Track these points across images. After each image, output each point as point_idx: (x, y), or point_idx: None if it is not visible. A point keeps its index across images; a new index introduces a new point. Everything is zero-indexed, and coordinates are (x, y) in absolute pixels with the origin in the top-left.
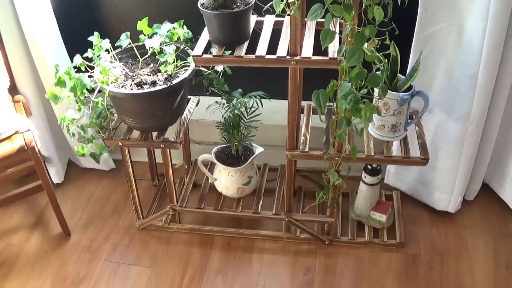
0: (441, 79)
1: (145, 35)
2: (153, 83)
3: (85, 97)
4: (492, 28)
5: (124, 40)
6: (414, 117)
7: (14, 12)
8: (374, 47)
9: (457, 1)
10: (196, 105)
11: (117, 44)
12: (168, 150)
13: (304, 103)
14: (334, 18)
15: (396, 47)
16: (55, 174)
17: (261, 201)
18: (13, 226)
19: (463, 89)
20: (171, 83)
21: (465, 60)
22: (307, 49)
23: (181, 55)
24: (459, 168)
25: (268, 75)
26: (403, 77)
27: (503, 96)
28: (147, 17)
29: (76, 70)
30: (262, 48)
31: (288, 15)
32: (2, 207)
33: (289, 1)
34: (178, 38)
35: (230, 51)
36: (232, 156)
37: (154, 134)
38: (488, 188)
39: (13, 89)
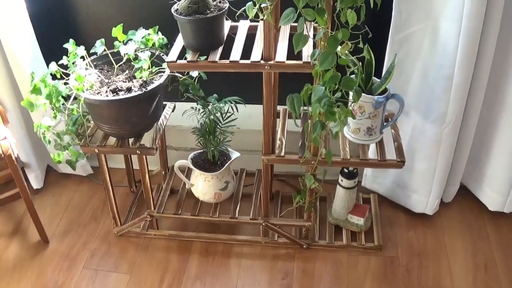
0: (417, 81)
1: (120, 41)
2: (129, 90)
3: (61, 104)
4: (467, 29)
5: (99, 47)
6: (389, 119)
7: None
8: (347, 51)
9: (432, 3)
10: (172, 111)
11: (92, 51)
12: (144, 156)
13: (280, 108)
14: (307, 22)
15: (370, 50)
16: (35, 180)
17: (238, 206)
18: None
19: (438, 91)
20: (146, 89)
21: (440, 61)
22: (281, 54)
23: (156, 61)
24: (436, 170)
25: (244, 80)
26: (378, 80)
27: (479, 97)
28: (122, 24)
29: (52, 77)
30: (236, 53)
31: (262, 19)
32: None
33: (262, 5)
34: (153, 44)
35: (205, 57)
36: (209, 162)
37: (131, 140)
38: (465, 189)
39: None
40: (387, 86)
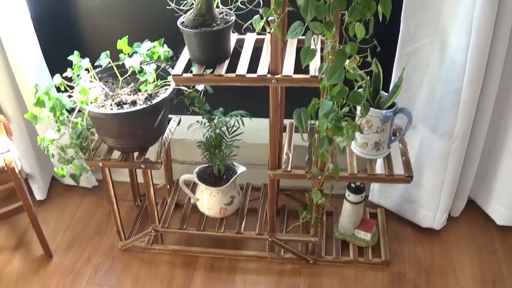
0: (425, 95)
1: (125, 54)
2: (133, 103)
3: (65, 117)
4: (475, 43)
5: (104, 60)
6: (397, 134)
7: None
8: (355, 65)
9: (440, 17)
10: (178, 124)
11: (97, 63)
12: (149, 170)
13: (287, 121)
14: (315, 36)
15: (379, 64)
16: (38, 191)
17: (244, 221)
18: None
19: (446, 105)
20: (151, 102)
21: (448, 76)
22: (288, 67)
23: (161, 74)
24: (444, 184)
25: (250, 93)
26: (386, 94)
27: (487, 112)
28: (127, 36)
29: (57, 89)
30: (242, 67)
31: (269, 33)
32: None
33: (269, 19)
34: (159, 57)
35: (211, 70)
36: (214, 176)
37: (135, 154)
38: (473, 204)
39: None
40: (395, 100)
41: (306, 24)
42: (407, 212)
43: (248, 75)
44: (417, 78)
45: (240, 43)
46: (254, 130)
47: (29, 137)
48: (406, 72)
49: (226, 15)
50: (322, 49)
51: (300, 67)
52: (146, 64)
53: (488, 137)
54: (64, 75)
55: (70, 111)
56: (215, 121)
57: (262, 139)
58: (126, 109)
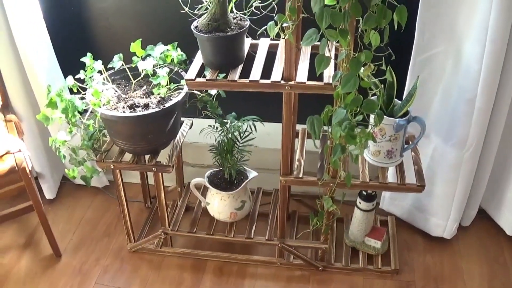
0: (438, 104)
1: (138, 57)
2: (146, 106)
3: (78, 119)
4: (490, 52)
5: (117, 62)
6: (410, 142)
7: (8, 32)
8: (370, 73)
9: (455, 25)
10: (190, 127)
11: (110, 65)
12: (160, 173)
13: (299, 127)
14: (329, 42)
15: (393, 72)
16: (48, 190)
17: (254, 226)
18: (4, 246)
19: (460, 114)
20: (164, 106)
21: (462, 84)
22: (302, 74)
23: (174, 78)
24: (456, 194)
25: (263, 98)
26: (400, 102)
27: (501, 121)
28: (140, 39)
29: (69, 90)
30: (256, 72)
31: (283, 38)
32: None
33: (283, 25)
34: (172, 60)
35: (224, 75)
36: (225, 180)
37: (147, 157)
38: (484, 213)
39: (5, 108)
40: (408, 109)
41: (321, 32)
42: (418, 220)
43: (262, 81)
44: (431, 87)
45: (254, 48)
46: (266, 134)
47: (40, 136)
48: (420, 80)
49: (240, 20)
50: (336, 56)
51: (314, 73)
52: (159, 68)
53: (500, 147)
54: (77, 76)
55: (82, 112)
56: (228, 125)
57: (274, 144)
58: (139, 112)
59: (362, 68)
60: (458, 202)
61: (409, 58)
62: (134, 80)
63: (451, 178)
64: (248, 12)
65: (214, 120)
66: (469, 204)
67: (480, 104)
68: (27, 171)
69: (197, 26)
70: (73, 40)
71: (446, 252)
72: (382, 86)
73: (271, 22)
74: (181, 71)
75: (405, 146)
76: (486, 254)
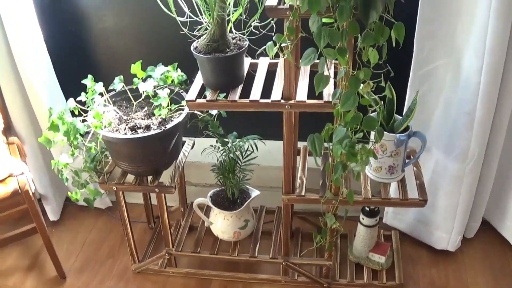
0: (439, 117)
1: (139, 78)
2: (147, 127)
3: (80, 141)
4: (489, 65)
5: (118, 84)
6: (411, 157)
7: (10, 55)
8: (369, 90)
9: (453, 38)
10: (191, 147)
11: (110, 87)
12: (163, 194)
13: (300, 145)
14: (328, 61)
15: (392, 89)
16: (51, 212)
17: (258, 244)
18: (8, 268)
19: (461, 127)
20: (165, 127)
21: (462, 97)
22: (302, 92)
23: (175, 98)
24: (459, 206)
25: (264, 116)
26: (400, 117)
27: (501, 133)
28: (141, 60)
29: (71, 113)
30: (256, 92)
31: (283, 58)
32: None
33: (282, 45)
34: (172, 81)
35: (224, 95)
36: (228, 200)
37: (149, 177)
38: (488, 225)
39: (8, 130)
40: (409, 124)
41: (319, 51)
42: (422, 234)
43: (262, 101)
44: (431, 101)
45: (253, 67)
46: (267, 152)
47: (42, 158)
48: (420, 93)
49: (240, 40)
50: (335, 74)
51: (313, 91)
52: (160, 89)
53: (502, 158)
54: (78, 99)
55: (84, 134)
56: (229, 145)
57: (276, 162)
58: (140, 133)
59: (362, 86)
60: (461, 214)
61: (408, 73)
62: (135, 101)
63: (453, 190)
64: (247, 32)
65: (215, 139)
66: (472, 216)
67: (480, 116)
68: (30, 193)
69: (196, 47)
70: (74, 62)
71: (450, 265)
72: (382, 102)
73: (270, 42)
74: (181, 92)
75: (407, 161)
76: (490, 265)
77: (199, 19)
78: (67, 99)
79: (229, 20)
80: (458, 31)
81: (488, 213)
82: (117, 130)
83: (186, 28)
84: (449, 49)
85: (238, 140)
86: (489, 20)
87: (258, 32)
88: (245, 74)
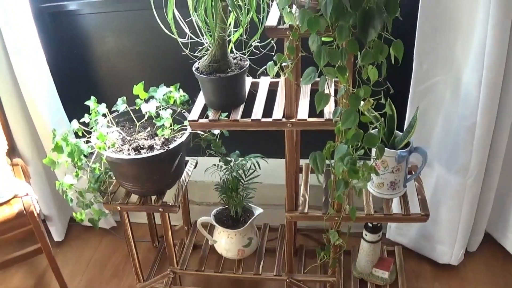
0: (439, 133)
1: (141, 99)
2: (151, 148)
3: (84, 162)
4: (488, 79)
5: (121, 105)
6: (413, 172)
7: (13, 77)
8: (370, 107)
9: (452, 54)
10: (194, 167)
11: (113, 108)
12: (167, 213)
13: (303, 162)
14: (328, 79)
15: (392, 105)
16: (56, 232)
17: (262, 262)
18: None
19: (461, 142)
20: (168, 147)
21: (462, 112)
22: (303, 111)
23: (178, 118)
24: (461, 220)
25: (266, 135)
26: (401, 133)
27: (502, 146)
28: (143, 81)
29: (75, 134)
30: (258, 111)
31: (283, 77)
32: (2, 269)
33: (282, 64)
34: (175, 101)
35: (226, 114)
36: (232, 218)
37: (153, 197)
38: (490, 238)
39: (12, 152)
40: (409, 140)
41: (319, 69)
42: (425, 248)
43: (264, 120)
44: (431, 116)
45: (254, 87)
46: (270, 170)
47: (46, 179)
48: (420, 109)
49: (240, 60)
50: (335, 92)
51: (314, 109)
52: (162, 109)
53: (503, 171)
54: (82, 120)
55: (88, 155)
56: (232, 164)
57: (278, 180)
58: (144, 154)
59: (362, 103)
60: (463, 228)
61: (408, 89)
62: (138, 122)
63: (455, 205)
64: (247, 52)
65: (218, 158)
66: (475, 229)
67: (480, 131)
68: (35, 214)
69: (198, 67)
70: (77, 84)
71: (454, 279)
72: (382, 119)
73: (271, 62)
74: (184, 112)
75: (408, 176)
76: (493, 278)
77: (200, 40)
78: (70, 120)
79: (229, 41)
80: (456, 47)
81: (490, 227)
82: (120, 151)
83: (187, 49)
84: (448, 65)
85: (240, 158)
86: (487, 35)
87: (258, 52)
88: (246, 94)
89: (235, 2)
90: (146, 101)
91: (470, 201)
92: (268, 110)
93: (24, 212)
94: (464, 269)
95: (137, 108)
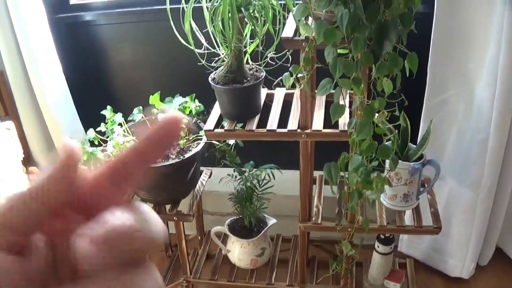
0: (452, 146)
1: (157, 109)
2: (166, 157)
3: None
4: (501, 94)
5: (137, 115)
6: (426, 185)
7: (29, 86)
8: (384, 119)
9: (466, 67)
10: (209, 177)
11: (130, 118)
12: (181, 222)
13: (316, 173)
14: (343, 90)
15: (406, 117)
16: None
17: (274, 272)
18: None
19: (474, 156)
20: (184, 157)
21: (475, 126)
22: (318, 122)
23: (193, 128)
24: (472, 234)
25: (280, 146)
26: (414, 146)
27: None
28: (159, 92)
29: (90, 143)
30: (273, 122)
31: (299, 88)
32: None
33: (298, 76)
34: (190, 112)
35: (242, 124)
36: (245, 228)
37: (168, 206)
38: (501, 252)
39: (27, 161)
40: (423, 152)
41: (335, 81)
42: (436, 262)
43: (279, 130)
44: (445, 129)
45: (270, 98)
46: (284, 181)
47: None
48: (433, 123)
49: (256, 71)
50: (350, 103)
51: (329, 120)
52: None
53: None
54: (98, 129)
55: None
56: (246, 174)
57: (292, 191)
58: (159, 163)
59: (376, 115)
60: (474, 242)
61: (421, 102)
62: None
63: (467, 218)
64: (263, 63)
65: (232, 169)
66: (486, 243)
67: (493, 145)
68: None
69: (214, 78)
70: (92, 93)
71: None
72: (396, 131)
73: (286, 73)
74: (199, 122)
75: (421, 189)
76: None
77: (216, 50)
78: (85, 130)
79: (245, 52)
80: (470, 61)
81: (502, 241)
82: None
83: (203, 60)
84: (461, 79)
85: (255, 169)
86: (500, 49)
87: (274, 64)
88: (262, 105)
89: (252, 14)
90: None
91: (482, 215)
92: (283, 121)
93: None
94: (475, 283)
95: (153, 118)
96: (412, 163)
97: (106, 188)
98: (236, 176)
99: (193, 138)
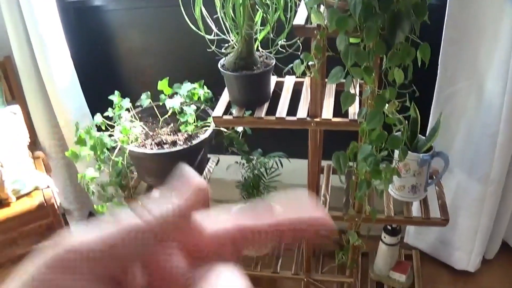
0: (462, 139)
1: (165, 95)
2: (173, 143)
3: (106, 155)
4: (511, 88)
5: (145, 100)
6: (434, 177)
7: (36, 70)
8: (394, 109)
9: (477, 61)
10: (216, 164)
11: (137, 103)
12: None
13: (324, 163)
14: (354, 80)
15: (416, 108)
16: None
17: (280, 260)
18: None
19: (483, 149)
20: (191, 143)
21: (484, 120)
22: (328, 111)
23: (201, 115)
24: (479, 227)
25: (288, 134)
26: (423, 137)
27: None
28: (168, 77)
29: (97, 128)
30: (282, 109)
31: (309, 76)
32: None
33: (309, 63)
34: (199, 98)
35: (250, 112)
36: None
37: None
38: (507, 246)
39: (33, 145)
40: (432, 144)
41: (346, 69)
42: (442, 254)
43: (288, 118)
44: (454, 122)
45: (279, 86)
46: (292, 170)
47: (67, 173)
48: (443, 115)
49: (266, 58)
50: (361, 93)
51: (339, 109)
52: (186, 105)
53: None
54: (105, 114)
55: (110, 149)
56: (254, 162)
57: (299, 179)
58: (166, 149)
59: (387, 105)
60: (481, 235)
61: (432, 94)
62: (161, 117)
63: (474, 212)
64: (274, 50)
65: (240, 156)
66: (492, 237)
67: (502, 139)
68: (56, 206)
69: (224, 64)
70: (100, 78)
71: (470, 285)
72: (406, 122)
73: (297, 61)
74: (207, 109)
75: (429, 181)
76: (510, 286)
77: (226, 37)
78: (92, 115)
79: (256, 39)
80: (481, 54)
81: (508, 235)
82: (143, 146)
83: (213, 46)
84: (472, 71)
85: (263, 157)
86: (511, 43)
87: (284, 51)
88: (271, 92)
89: (263, 0)
90: (170, 97)
91: (489, 208)
92: (292, 109)
93: (45, 204)
94: (481, 276)
95: (161, 103)
96: (421, 155)
97: (226, 247)
98: (243, 164)
99: (201, 124)
